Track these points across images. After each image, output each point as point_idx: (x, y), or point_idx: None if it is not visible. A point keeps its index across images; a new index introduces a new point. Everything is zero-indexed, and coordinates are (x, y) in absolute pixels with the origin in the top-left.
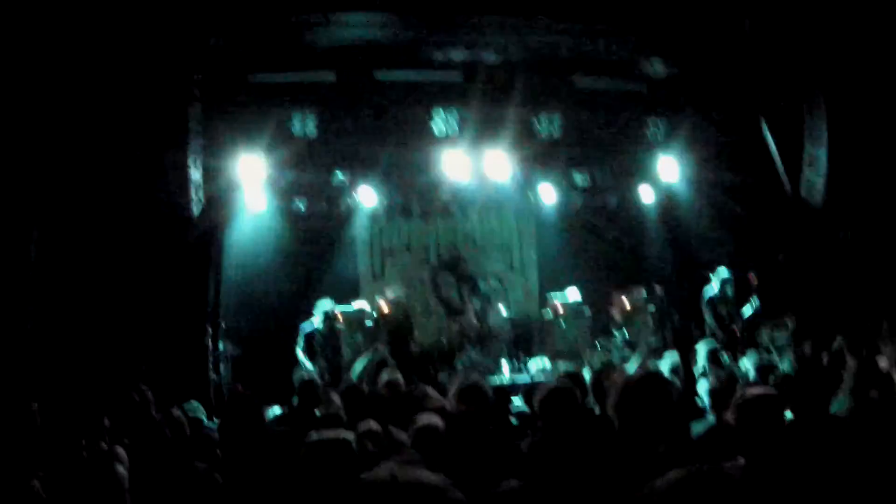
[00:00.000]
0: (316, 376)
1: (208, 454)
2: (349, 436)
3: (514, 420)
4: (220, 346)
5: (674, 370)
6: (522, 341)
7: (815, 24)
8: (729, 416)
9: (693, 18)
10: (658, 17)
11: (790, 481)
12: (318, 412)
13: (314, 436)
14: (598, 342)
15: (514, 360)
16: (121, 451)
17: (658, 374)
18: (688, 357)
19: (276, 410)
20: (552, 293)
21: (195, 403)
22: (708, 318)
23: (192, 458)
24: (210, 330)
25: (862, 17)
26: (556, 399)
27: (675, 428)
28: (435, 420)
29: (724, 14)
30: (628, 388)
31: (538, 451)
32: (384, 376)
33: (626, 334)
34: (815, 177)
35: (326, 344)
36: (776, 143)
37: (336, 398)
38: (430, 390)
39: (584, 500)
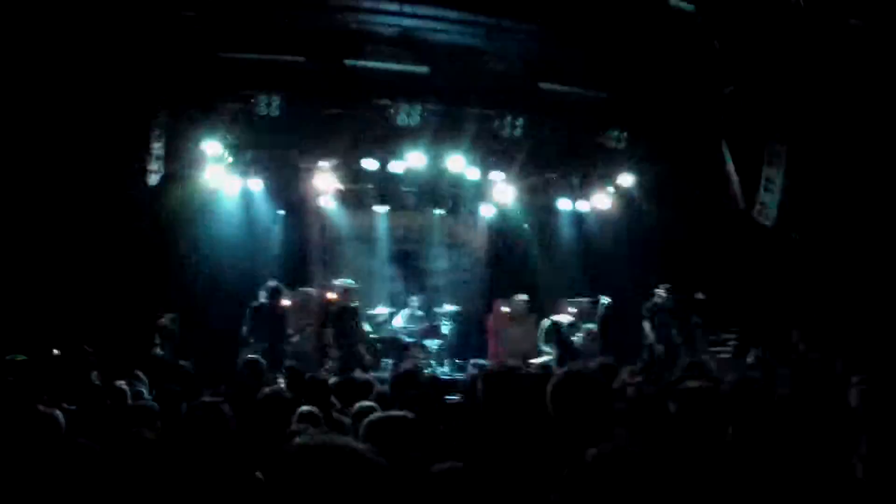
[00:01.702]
0: (260, 357)
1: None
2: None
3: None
4: (167, 322)
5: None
6: (465, 341)
7: (782, 56)
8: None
9: (662, 36)
10: (625, 31)
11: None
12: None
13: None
14: (543, 348)
15: (456, 359)
16: (58, 414)
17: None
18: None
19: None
20: (500, 297)
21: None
22: (647, 328)
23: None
24: (158, 305)
25: (825, 51)
26: (499, 378)
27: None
28: (372, 405)
29: (694, 33)
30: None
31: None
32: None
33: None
34: (770, 199)
35: (271, 320)
36: (734, 162)
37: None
38: (372, 377)
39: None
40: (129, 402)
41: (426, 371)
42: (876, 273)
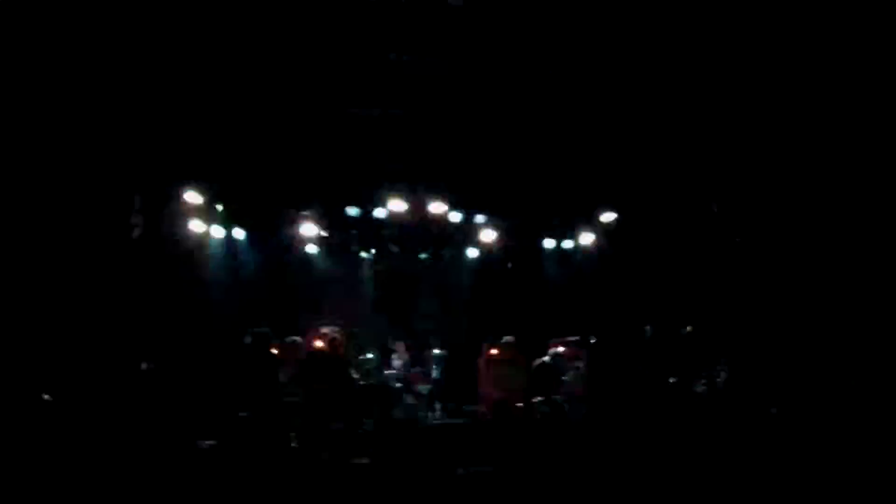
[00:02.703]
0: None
1: None
2: None
3: None
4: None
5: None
6: (455, 384)
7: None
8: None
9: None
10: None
11: None
12: None
13: None
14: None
15: (447, 403)
16: None
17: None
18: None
19: None
20: (487, 339)
21: None
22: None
23: None
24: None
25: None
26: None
27: None
28: None
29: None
30: None
31: None
32: None
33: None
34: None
35: (257, 363)
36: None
37: None
38: None
39: None
40: None
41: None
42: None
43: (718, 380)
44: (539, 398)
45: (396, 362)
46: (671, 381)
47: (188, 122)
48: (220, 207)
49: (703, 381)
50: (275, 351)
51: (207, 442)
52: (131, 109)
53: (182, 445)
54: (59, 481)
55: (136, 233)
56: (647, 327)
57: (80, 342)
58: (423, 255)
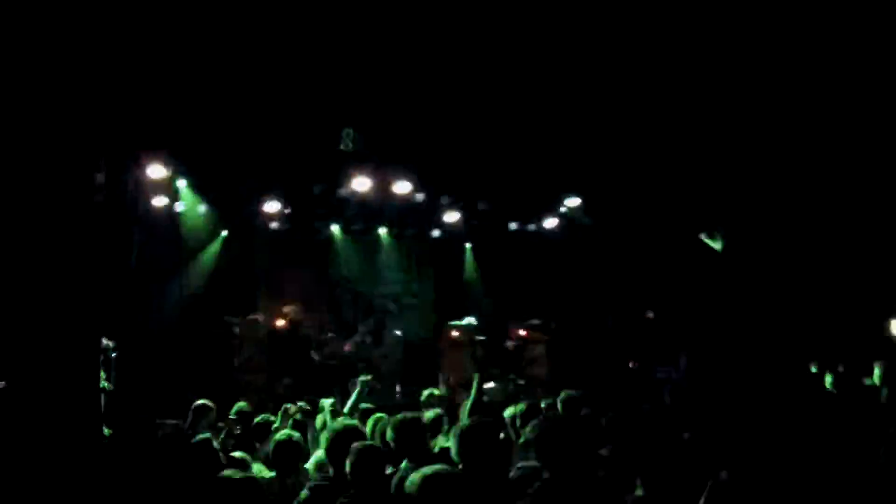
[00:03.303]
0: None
1: None
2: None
3: None
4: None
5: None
6: (416, 366)
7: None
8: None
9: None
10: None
11: None
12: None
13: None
14: (493, 373)
15: (407, 386)
16: None
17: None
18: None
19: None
20: (450, 321)
21: None
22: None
23: None
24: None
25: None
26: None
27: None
28: None
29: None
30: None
31: None
32: None
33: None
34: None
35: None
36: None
37: None
38: None
39: None
40: None
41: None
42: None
43: (678, 367)
44: (493, 383)
45: (357, 342)
46: (631, 366)
47: (152, 94)
48: (183, 182)
49: (664, 367)
50: (236, 330)
51: (170, 422)
52: (94, 77)
53: (145, 426)
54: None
55: (97, 207)
56: (609, 316)
57: (38, 322)
58: (385, 235)
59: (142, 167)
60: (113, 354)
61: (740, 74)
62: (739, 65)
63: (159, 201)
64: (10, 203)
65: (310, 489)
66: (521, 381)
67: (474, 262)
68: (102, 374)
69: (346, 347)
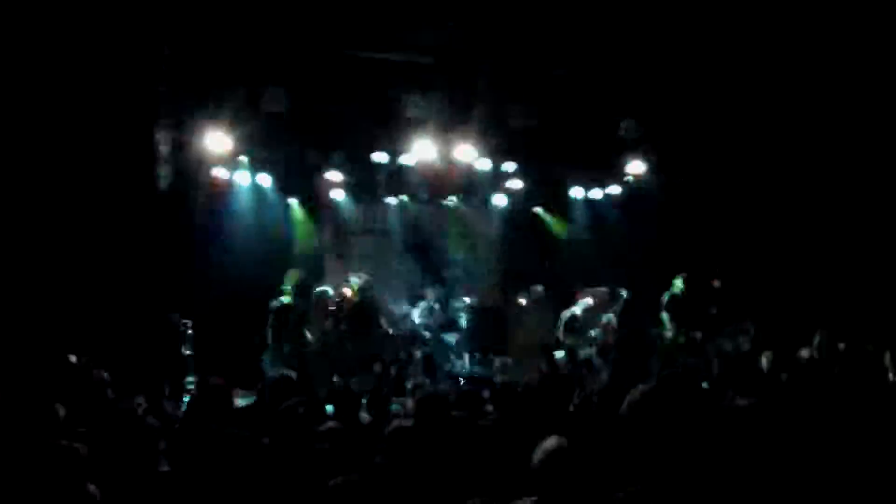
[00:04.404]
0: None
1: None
2: None
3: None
4: (185, 326)
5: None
6: (484, 333)
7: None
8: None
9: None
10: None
11: None
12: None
13: None
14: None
15: (476, 352)
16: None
17: None
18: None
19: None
20: (516, 288)
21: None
22: (666, 320)
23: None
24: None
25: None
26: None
27: None
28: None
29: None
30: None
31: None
32: None
33: (590, 333)
34: None
35: (297, 322)
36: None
37: None
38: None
39: None
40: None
41: (446, 365)
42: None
43: (745, 337)
44: (562, 352)
45: (424, 311)
46: (697, 336)
47: (211, 66)
48: (244, 153)
49: (729, 338)
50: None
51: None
52: (153, 54)
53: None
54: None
55: (164, 182)
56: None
57: (112, 299)
58: (450, 203)
59: (205, 139)
60: (189, 331)
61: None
62: None
63: (222, 173)
64: (79, 183)
65: None
66: (588, 351)
67: (541, 229)
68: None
69: (414, 316)
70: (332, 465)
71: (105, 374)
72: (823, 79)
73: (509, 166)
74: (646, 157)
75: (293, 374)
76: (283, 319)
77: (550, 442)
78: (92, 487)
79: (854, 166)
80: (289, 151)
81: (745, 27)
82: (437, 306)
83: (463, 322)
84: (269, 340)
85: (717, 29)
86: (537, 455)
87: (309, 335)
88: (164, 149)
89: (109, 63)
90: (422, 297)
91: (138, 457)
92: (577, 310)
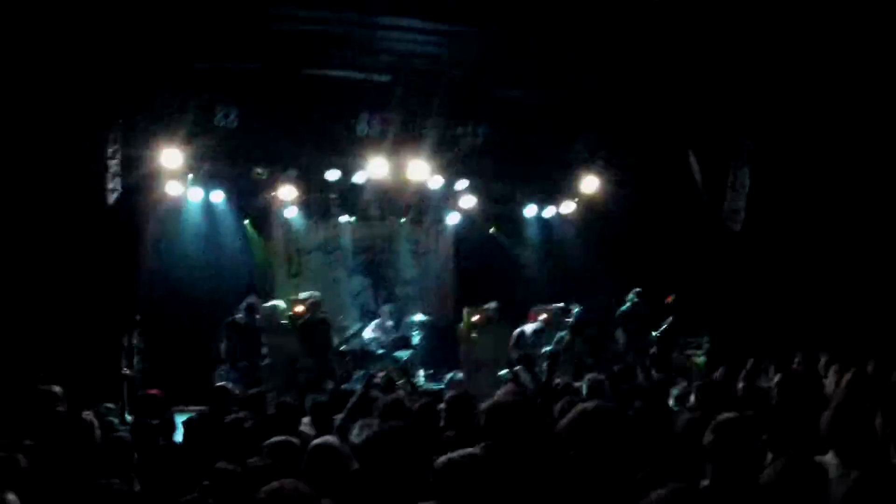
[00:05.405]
0: (229, 384)
1: (121, 461)
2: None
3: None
4: (134, 339)
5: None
6: (436, 350)
7: (747, 59)
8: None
9: (627, 39)
10: (590, 35)
11: None
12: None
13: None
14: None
15: (429, 369)
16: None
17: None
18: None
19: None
20: (469, 305)
21: (109, 406)
22: (619, 334)
23: (103, 468)
24: (124, 323)
25: (794, 53)
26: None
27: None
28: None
29: (657, 38)
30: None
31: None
32: None
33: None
34: (738, 203)
35: (249, 337)
36: (700, 165)
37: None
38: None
39: None
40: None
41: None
42: (847, 273)
43: (700, 350)
44: (518, 367)
45: (377, 328)
46: (652, 351)
47: (170, 82)
48: (195, 168)
49: (685, 351)
50: (258, 316)
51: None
52: (107, 64)
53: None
54: None
55: (112, 196)
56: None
57: (57, 313)
58: (403, 220)
59: (157, 154)
60: (137, 343)
61: None
62: None
63: (174, 189)
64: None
65: None
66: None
67: (494, 247)
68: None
69: (367, 333)
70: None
71: (57, 389)
72: (780, 84)
73: (462, 184)
74: (601, 174)
75: (231, 387)
76: (237, 336)
77: (459, 452)
78: (11, 497)
79: (809, 173)
80: (241, 168)
81: (696, 39)
82: (389, 324)
83: (415, 339)
84: (223, 356)
85: (669, 40)
86: (441, 461)
87: (264, 350)
88: (113, 163)
89: (62, 76)
90: (374, 315)
91: (100, 469)
92: (527, 328)
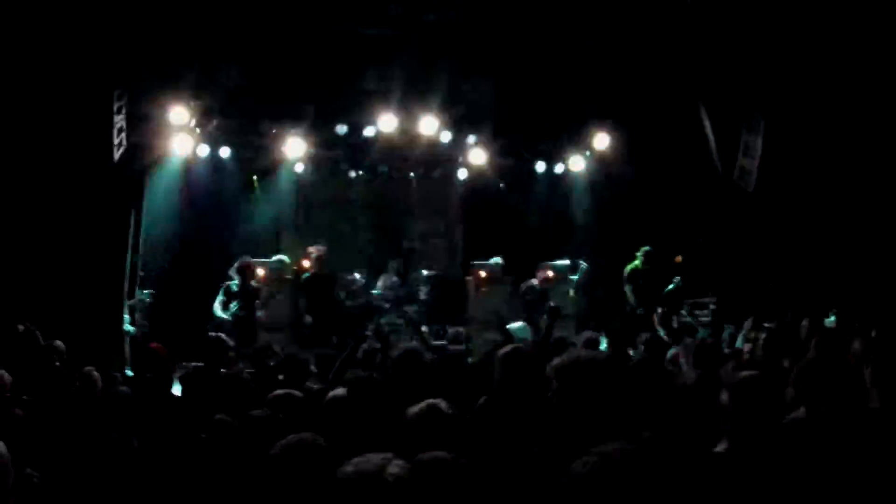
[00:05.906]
0: (224, 336)
1: (120, 415)
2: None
3: None
4: (137, 294)
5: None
6: (443, 306)
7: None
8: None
9: None
10: None
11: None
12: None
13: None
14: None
15: (434, 324)
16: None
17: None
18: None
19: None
20: (476, 261)
21: None
22: (628, 291)
23: (104, 423)
24: (128, 278)
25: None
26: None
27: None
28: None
29: None
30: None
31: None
32: None
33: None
34: (749, 163)
35: (244, 296)
36: (713, 127)
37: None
38: None
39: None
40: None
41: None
42: (853, 240)
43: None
44: (521, 322)
45: (385, 283)
46: (659, 310)
47: (174, 35)
48: (202, 125)
49: (687, 313)
50: (261, 272)
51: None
52: (112, 20)
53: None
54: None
55: (118, 152)
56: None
57: (61, 270)
58: (411, 175)
59: (163, 111)
60: (143, 299)
61: None
62: None
63: (180, 146)
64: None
65: None
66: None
67: (502, 202)
68: (127, 318)
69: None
70: (278, 432)
71: (60, 344)
72: (793, 57)
73: (471, 139)
74: (612, 131)
75: (224, 337)
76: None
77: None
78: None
79: (814, 150)
80: (248, 124)
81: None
82: (396, 279)
83: (422, 294)
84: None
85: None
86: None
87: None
88: (119, 118)
89: (66, 37)
90: (381, 270)
91: (100, 424)
92: (534, 281)
